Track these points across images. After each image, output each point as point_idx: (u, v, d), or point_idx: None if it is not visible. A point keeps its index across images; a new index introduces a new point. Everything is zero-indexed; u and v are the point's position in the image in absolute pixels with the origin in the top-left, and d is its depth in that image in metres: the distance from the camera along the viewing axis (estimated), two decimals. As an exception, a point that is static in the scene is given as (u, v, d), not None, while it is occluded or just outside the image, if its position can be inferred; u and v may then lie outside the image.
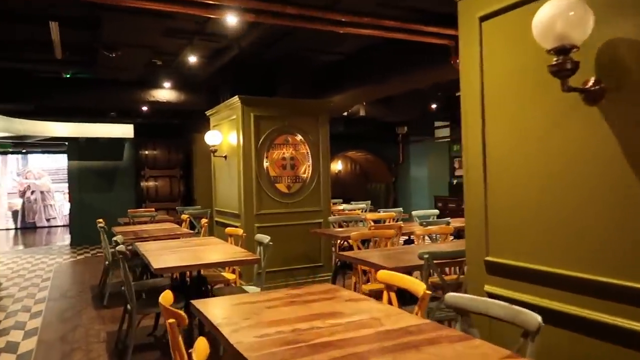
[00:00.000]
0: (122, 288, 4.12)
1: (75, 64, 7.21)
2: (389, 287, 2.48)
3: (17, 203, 15.64)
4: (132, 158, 11.78)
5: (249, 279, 5.72)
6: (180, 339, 1.95)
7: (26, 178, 15.83)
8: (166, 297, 2.26)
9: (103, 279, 6.18)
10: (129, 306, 3.81)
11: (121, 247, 3.92)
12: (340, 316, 2.06)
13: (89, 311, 5.51)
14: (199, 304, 2.41)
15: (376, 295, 4.00)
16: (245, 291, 4.08)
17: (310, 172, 6.54)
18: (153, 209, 8.76)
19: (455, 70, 5.30)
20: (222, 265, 4.15)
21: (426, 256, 3.09)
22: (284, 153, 6.42)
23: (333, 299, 2.38)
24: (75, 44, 6.09)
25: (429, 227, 4.82)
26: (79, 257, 9.54)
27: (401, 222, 5.68)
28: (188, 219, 7.08)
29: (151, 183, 11.54)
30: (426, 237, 4.92)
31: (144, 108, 9.64)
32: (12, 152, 15.44)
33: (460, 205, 10.72)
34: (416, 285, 2.21)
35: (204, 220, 6.32)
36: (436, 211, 6.84)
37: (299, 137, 6.52)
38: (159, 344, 4.39)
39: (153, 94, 8.05)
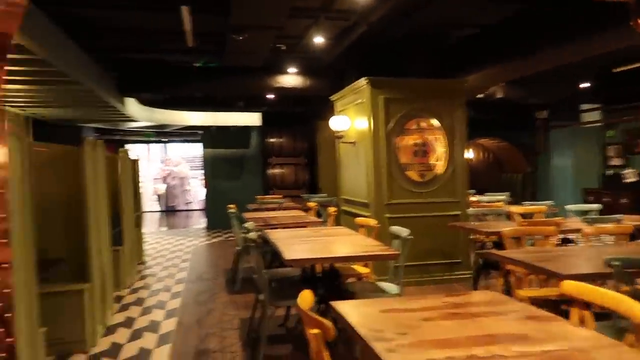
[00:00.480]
0: (254, 276, 4.03)
1: (206, 52, 7.43)
2: (579, 302, 1.93)
3: (161, 188, 17.14)
4: (258, 146, 12.12)
5: (381, 272, 5.38)
6: (326, 354, 1.64)
7: (167, 165, 17.27)
8: (305, 299, 1.97)
9: (235, 264, 6.28)
10: (260, 296, 3.68)
11: (252, 235, 3.80)
12: (526, 341, 1.59)
13: (222, 295, 5.61)
14: (341, 307, 2.09)
15: (535, 304, 3.39)
16: (381, 289, 3.73)
17: (444, 159, 5.97)
18: (280, 196, 8.83)
19: (633, 36, 4.38)
20: (359, 260, 3.85)
21: (617, 263, 2.45)
22: (415, 139, 5.94)
23: (506, 314, 1.90)
24: (205, 32, 6.20)
25: (599, 225, 4.02)
26: (213, 240, 10.03)
27: (562, 217, 4.88)
28: (316, 207, 6.93)
29: (277, 170, 11.77)
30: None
31: (270, 96, 9.77)
32: (155, 141, 16.93)
33: (618, 200, 9.31)
34: (631, 306, 1.65)
35: (331, 209, 6.10)
36: (598, 206, 5.82)
37: (432, 122, 5.98)
38: (290, 336, 4.25)
39: (278, 80, 8.04)
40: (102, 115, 9.28)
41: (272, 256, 5.61)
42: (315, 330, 1.64)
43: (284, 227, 5.46)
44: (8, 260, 2.24)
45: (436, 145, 5.99)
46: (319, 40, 6.50)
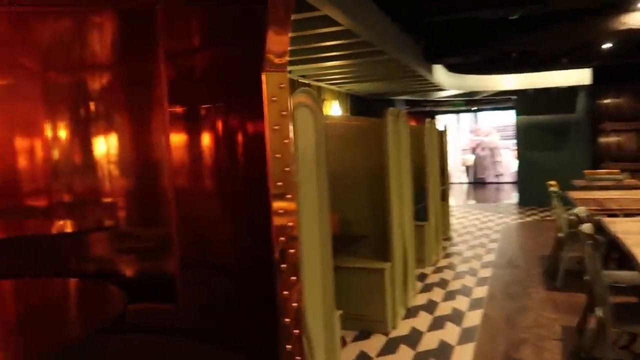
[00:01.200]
0: (585, 277, 3.06)
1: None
2: None
3: (470, 159, 16.62)
4: (586, 109, 10.08)
5: None
6: None
7: (476, 135, 16.57)
8: None
9: (555, 252, 5.21)
10: (598, 312, 2.71)
11: (587, 227, 2.82)
12: None
13: (538, 290, 4.68)
14: None
15: None
16: None
17: None
18: (618, 171, 7.02)
19: None
20: None
21: None
22: None
23: None
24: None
25: None
26: (526, 219, 8.91)
27: None
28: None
29: (612, 138, 9.54)
30: None
31: (606, 45, 7.81)
32: (465, 111, 16.43)
33: None
34: None
35: None
36: None
37: None
38: (638, 366, 3.10)
39: (623, 21, 6.19)
40: (410, 86, 9.29)
41: (608, 249, 4.36)
42: None
43: (629, 214, 4.14)
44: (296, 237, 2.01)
45: None
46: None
